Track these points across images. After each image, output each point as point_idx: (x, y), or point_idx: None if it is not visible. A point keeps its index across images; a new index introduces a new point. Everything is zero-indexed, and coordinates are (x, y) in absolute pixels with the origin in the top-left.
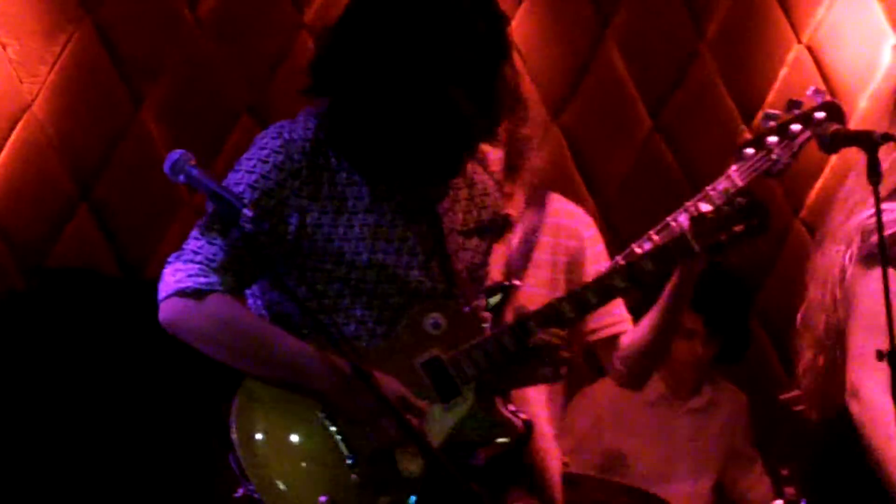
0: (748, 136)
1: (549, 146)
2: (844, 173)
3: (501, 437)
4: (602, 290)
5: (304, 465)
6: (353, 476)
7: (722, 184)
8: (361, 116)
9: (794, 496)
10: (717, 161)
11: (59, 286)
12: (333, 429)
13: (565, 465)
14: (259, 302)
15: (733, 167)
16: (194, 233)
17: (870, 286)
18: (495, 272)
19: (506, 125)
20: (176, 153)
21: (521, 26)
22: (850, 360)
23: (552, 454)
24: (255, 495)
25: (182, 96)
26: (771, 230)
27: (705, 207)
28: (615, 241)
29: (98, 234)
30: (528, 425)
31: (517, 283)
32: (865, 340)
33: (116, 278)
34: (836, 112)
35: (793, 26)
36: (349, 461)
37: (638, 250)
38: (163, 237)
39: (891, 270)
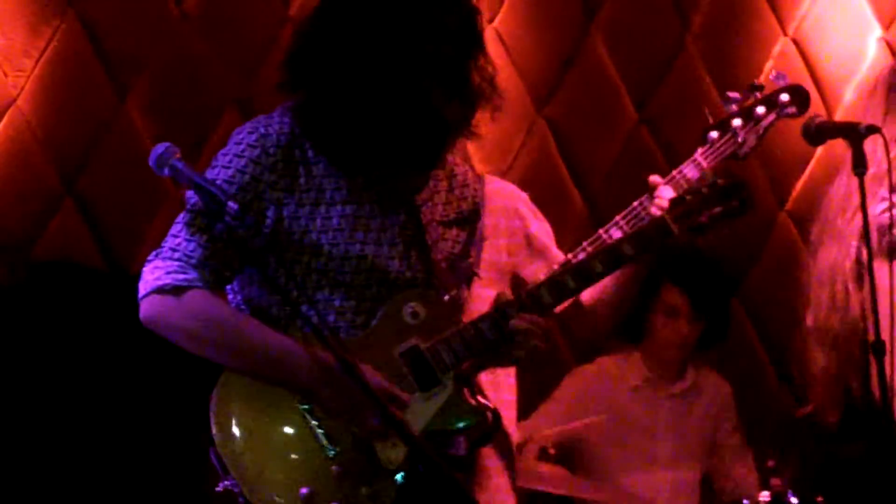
0: (711, 120)
1: (534, 138)
2: (830, 165)
3: (479, 423)
4: (581, 274)
5: (284, 457)
6: (334, 467)
7: (688, 167)
8: (335, 110)
9: (780, 487)
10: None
11: (45, 280)
12: (314, 422)
13: (548, 450)
14: (238, 297)
15: (699, 151)
16: (172, 230)
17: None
18: None
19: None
20: (161, 146)
21: (506, 19)
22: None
23: (512, 439)
24: (236, 490)
25: (167, 90)
26: (756, 217)
27: (669, 193)
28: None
29: (83, 228)
30: (496, 415)
31: (476, 273)
32: None
33: (102, 272)
34: (799, 95)
35: (778, 19)
36: (330, 453)
37: (605, 235)
38: (148, 231)
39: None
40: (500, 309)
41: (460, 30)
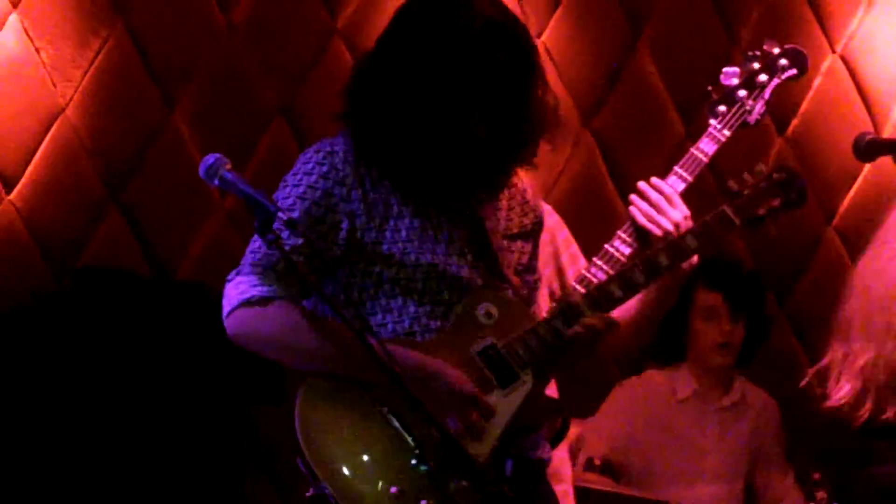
0: (715, 96)
1: (581, 152)
2: (878, 181)
3: (558, 417)
4: (649, 267)
5: (371, 459)
6: (422, 467)
7: (704, 142)
8: (386, 143)
9: (825, 500)
10: (748, 165)
11: (91, 287)
12: (396, 423)
13: (594, 460)
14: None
15: (713, 122)
16: (251, 247)
17: None
18: None
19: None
20: (211, 157)
21: (554, 34)
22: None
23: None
24: (327, 492)
25: (214, 100)
26: (803, 233)
27: (679, 185)
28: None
29: (129, 236)
30: (567, 416)
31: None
32: None
33: (148, 279)
34: (797, 57)
35: (827, 36)
36: (416, 452)
37: (611, 248)
38: (193, 239)
39: None
40: (572, 305)
41: (511, 65)
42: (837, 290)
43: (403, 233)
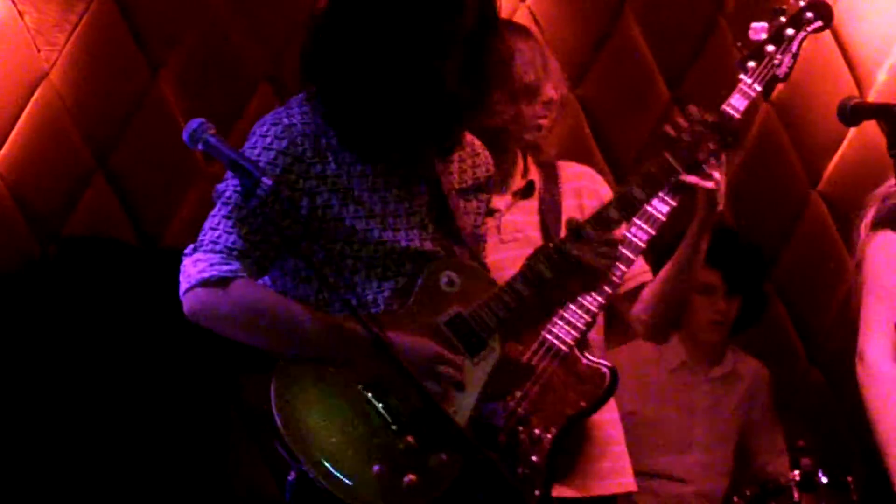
0: (744, 52)
1: (566, 117)
2: (862, 146)
3: (528, 381)
4: (600, 222)
5: (350, 438)
6: (400, 442)
7: (736, 98)
8: (350, 94)
9: (810, 467)
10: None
11: (76, 254)
12: (373, 399)
13: None
14: (274, 290)
15: (743, 78)
16: (210, 223)
17: (875, 251)
18: (535, 237)
19: (501, 98)
20: (195, 122)
21: None
22: (861, 323)
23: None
24: (311, 475)
25: (200, 64)
26: (788, 198)
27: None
28: None
29: (115, 203)
30: (614, 372)
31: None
32: (874, 305)
33: (133, 246)
34: (822, 9)
35: None
36: (394, 427)
37: (650, 209)
38: (179, 205)
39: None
40: (576, 228)
41: (475, 10)
42: (823, 254)
43: (365, 207)
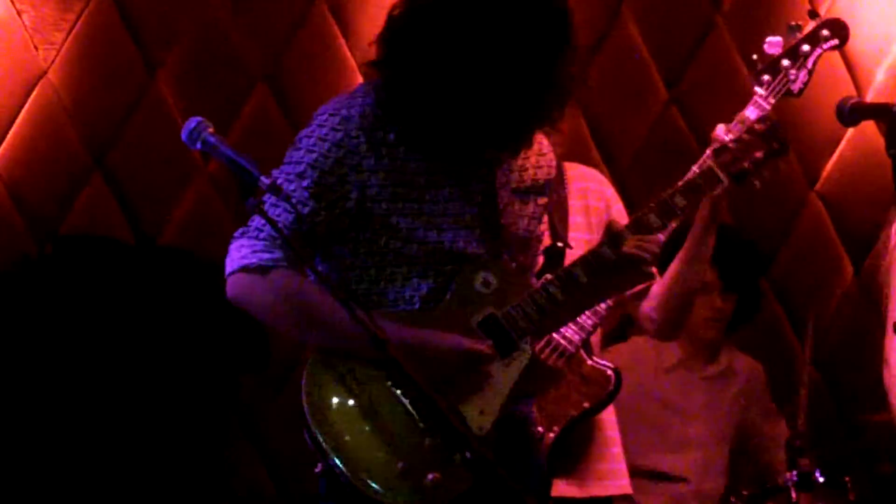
0: (760, 65)
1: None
2: (861, 146)
3: (557, 385)
4: (636, 227)
5: (378, 433)
6: (428, 440)
7: (750, 109)
8: (420, 90)
9: (807, 467)
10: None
11: (73, 253)
12: (402, 396)
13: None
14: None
15: (758, 90)
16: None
17: None
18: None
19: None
20: (193, 120)
21: None
22: (888, 328)
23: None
24: (338, 469)
25: (197, 64)
26: (786, 197)
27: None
28: (629, 211)
29: (112, 202)
30: (618, 374)
31: (568, 246)
32: None
33: (130, 245)
34: (838, 28)
35: (810, 1)
36: (421, 425)
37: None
38: (177, 204)
39: None
40: (615, 234)
41: (549, 26)
42: (820, 255)
43: (415, 205)
